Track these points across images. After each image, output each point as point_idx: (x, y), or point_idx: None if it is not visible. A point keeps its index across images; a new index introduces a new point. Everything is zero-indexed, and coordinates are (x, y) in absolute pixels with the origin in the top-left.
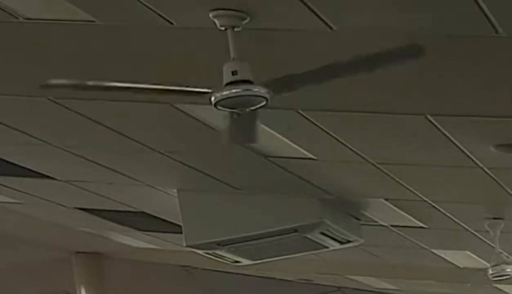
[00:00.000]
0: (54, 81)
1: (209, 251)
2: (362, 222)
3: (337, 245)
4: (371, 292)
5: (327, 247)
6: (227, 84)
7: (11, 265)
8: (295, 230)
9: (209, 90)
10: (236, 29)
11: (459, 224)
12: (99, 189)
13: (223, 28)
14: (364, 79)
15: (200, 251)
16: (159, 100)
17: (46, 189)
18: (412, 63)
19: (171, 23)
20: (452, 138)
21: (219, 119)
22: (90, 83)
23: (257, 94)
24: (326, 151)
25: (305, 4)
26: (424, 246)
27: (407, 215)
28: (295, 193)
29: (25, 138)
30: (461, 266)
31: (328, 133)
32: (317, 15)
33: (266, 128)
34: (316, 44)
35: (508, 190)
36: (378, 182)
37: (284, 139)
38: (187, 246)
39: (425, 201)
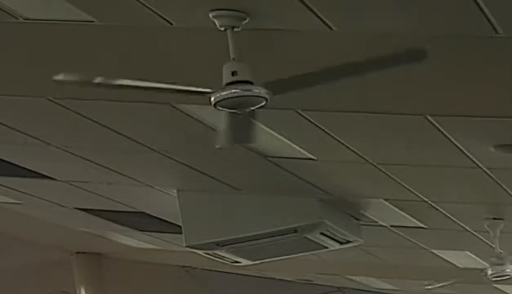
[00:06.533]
0: (63, 77)
1: (209, 251)
2: (362, 223)
3: (337, 246)
4: (371, 292)
5: (327, 248)
6: (227, 85)
7: (11, 265)
8: (295, 230)
9: (210, 90)
10: (235, 29)
11: (459, 224)
12: (99, 189)
13: (222, 28)
14: (364, 79)
15: (200, 251)
16: (159, 100)
17: (46, 189)
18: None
19: (171, 23)
20: (452, 138)
21: (219, 119)
22: (98, 80)
23: (256, 94)
24: (326, 151)
25: (305, 4)
26: (424, 246)
27: (407, 215)
28: (295, 193)
29: (25, 138)
30: (461, 266)
31: (328, 133)
32: (317, 15)
33: (266, 128)
34: (316, 44)
35: (508, 190)
36: (378, 182)
37: (284, 139)
38: (187, 246)
39: (425, 201)
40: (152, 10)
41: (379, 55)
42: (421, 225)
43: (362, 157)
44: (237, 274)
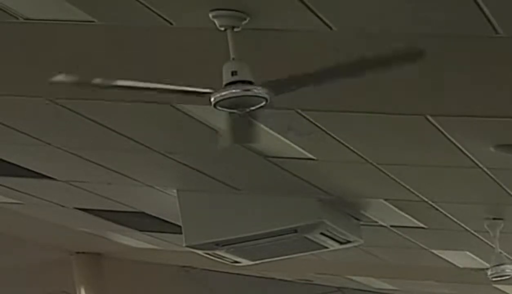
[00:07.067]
0: (58, 78)
1: (209, 252)
2: (362, 223)
3: (337, 246)
4: (371, 293)
5: (326, 248)
6: (226, 85)
7: (11, 265)
8: (295, 230)
9: (210, 91)
10: (236, 29)
11: (459, 224)
12: (99, 189)
13: (222, 28)
14: (364, 79)
15: (199, 251)
16: (159, 100)
17: (46, 189)
18: (410, 66)
19: (171, 23)
20: (452, 138)
21: (218, 119)
22: (97, 81)
23: (256, 94)
24: (326, 151)
25: (305, 4)
26: (424, 246)
27: (407, 215)
28: (295, 193)
29: (25, 138)
30: (461, 266)
31: (328, 133)
32: (317, 15)
33: (266, 128)
34: (316, 44)
35: (508, 190)
36: (378, 182)
37: (284, 139)
38: (187, 246)
39: (425, 201)
40: (152, 10)
41: (377, 54)
42: (421, 225)
43: (362, 157)
44: (237, 274)
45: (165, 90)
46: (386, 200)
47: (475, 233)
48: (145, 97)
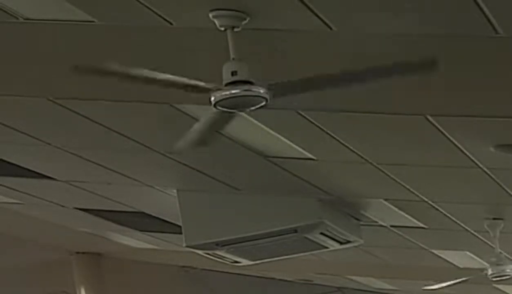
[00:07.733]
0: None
1: (209, 252)
2: (361, 223)
3: (337, 246)
4: (371, 292)
5: (326, 248)
6: (226, 85)
7: (11, 265)
8: (295, 230)
9: (211, 86)
10: (235, 29)
11: (459, 224)
12: (99, 189)
13: (222, 28)
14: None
15: (199, 252)
16: (159, 100)
17: (46, 189)
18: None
19: (171, 23)
20: (452, 138)
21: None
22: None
23: (256, 94)
24: (326, 151)
25: (305, 4)
26: (424, 246)
27: (407, 215)
28: (295, 193)
29: (25, 138)
30: (461, 266)
31: (328, 133)
32: (317, 15)
33: (266, 128)
34: (316, 44)
35: (508, 190)
36: (378, 182)
37: (284, 139)
38: (187, 246)
39: (425, 201)
40: (152, 10)
41: (392, 63)
42: (421, 225)
43: (362, 157)
44: (237, 274)
45: (172, 84)
46: (386, 200)
47: (475, 233)
48: (145, 97)
